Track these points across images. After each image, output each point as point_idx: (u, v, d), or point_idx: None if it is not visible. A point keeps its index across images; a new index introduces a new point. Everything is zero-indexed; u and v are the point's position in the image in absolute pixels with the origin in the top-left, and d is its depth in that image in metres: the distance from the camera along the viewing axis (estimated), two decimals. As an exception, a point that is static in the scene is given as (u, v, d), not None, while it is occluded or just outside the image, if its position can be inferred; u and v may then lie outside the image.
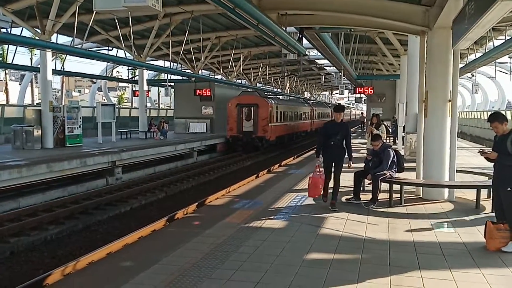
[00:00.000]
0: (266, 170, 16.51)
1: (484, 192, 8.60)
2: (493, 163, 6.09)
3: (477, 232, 6.54)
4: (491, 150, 6.14)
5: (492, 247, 5.74)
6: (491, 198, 7.60)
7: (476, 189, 8.32)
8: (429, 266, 5.20)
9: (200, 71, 29.75)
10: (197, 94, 27.82)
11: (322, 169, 8.17)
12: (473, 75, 31.31)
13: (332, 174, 8.15)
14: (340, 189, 8.31)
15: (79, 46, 18.14)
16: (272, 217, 7.58)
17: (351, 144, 8.24)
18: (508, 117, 26.12)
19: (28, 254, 8.70)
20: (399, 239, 6.31)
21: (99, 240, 9.36)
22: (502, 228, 5.73)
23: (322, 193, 8.25)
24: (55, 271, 6.55)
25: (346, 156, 8.14)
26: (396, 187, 8.55)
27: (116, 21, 18.27)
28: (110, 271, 5.32)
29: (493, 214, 6.53)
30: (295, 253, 5.67)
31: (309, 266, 5.22)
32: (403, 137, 17.01)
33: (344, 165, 8.15)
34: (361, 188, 9.08)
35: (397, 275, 4.91)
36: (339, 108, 8.34)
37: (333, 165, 8.12)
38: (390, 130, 21.87)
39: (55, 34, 17.41)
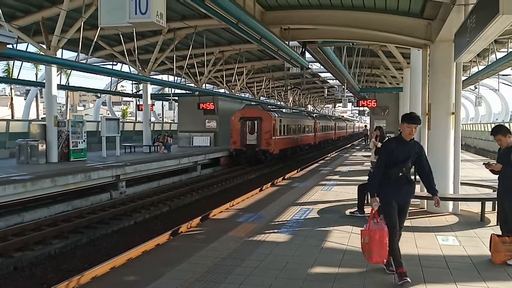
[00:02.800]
0: (270, 183, 16.47)
1: (489, 205, 8.56)
2: (497, 176, 6.09)
3: (482, 245, 6.51)
4: (495, 162, 6.14)
5: (498, 260, 5.70)
6: (496, 211, 7.55)
7: (480, 202, 8.29)
8: (434, 280, 5.16)
9: (203, 85, 29.93)
10: (200, 108, 27.97)
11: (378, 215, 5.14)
12: (476, 88, 31.37)
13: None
14: (344, 203, 8.09)
15: (84, 61, 18.33)
16: (276, 230, 7.55)
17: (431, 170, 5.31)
18: (512, 129, 26.00)
19: (32, 269, 8.67)
20: (403, 252, 6.21)
21: (103, 255, 9.33)
22: (508, 241, 5.68)
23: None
24: (58, 286, 6.52)
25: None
26: (400, 200, 8.51)
27: (121, 36, 18.51)
28: (114, 286, 5.31)
29: (498, 227, 6.49)
30: (299, 267, 5.64)
31: (313, 280, 5.19)
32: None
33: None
34: (365, 201, 9.05)
35: (402, 289, 4.87)
36: (414, 119, 5.10)
37: (400, 207, 5.19)
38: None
39: (60, 50, 17.63)
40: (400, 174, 5.06)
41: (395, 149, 5.10)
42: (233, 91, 33.39)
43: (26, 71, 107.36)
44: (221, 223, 8.35)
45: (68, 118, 25.06)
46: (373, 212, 5.08)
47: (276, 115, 27.71)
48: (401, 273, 4.99)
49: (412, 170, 5.31)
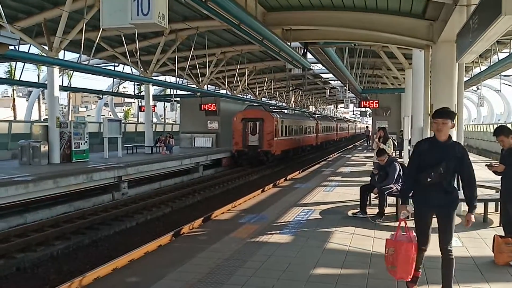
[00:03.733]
0: (272, 184, 16.47)
1: (491, 206, 8.54)
2: (500, 176, 6.07)
3: (485, 246, 6.49)
4: (498, 163, 6.12)
5: (501, 261, 5.68)
6: (499, 212, 7.53)
7: (483, 203, 8.26)
8: (437, 281, 5.12)
9: (205, 86, 29.93)
10: (202, 109, 27.97)
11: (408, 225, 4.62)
12: (478, 88, 31.33)
13: (438, 239, 4.53)
14: (346, 204, 8.06)
15: (86, 63, 18.36)
16: (278, 231, 7.55)
17: (474, 180, 4.60)
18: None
19: (34, 270, 8.68)
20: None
21: (105, 256, 9.33)
22: (511, 242, 5.67)
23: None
24: (61, 287, 6.53)
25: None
26: (403, 201, 8.49)
27: (123, 38, 18.52)
28: (116, 287, 5.31)
29: (501, 227, 6.47)
30: (301, 268, 5.63)
31: (315, 281, 5.18)
32: (409, 150, 16.97)
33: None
34: (368, 202, 9.03)
35: (404, 290, 4.86)
36: (438, 112, 4.47)
37: (437, 220, 4.53)
38: (396, 143, 21.88)
39: (62, 51, 17.64)
40: (429, 179, 4.33)
41: (426, 151, 4.45)
42: (235, 92, 33.41)
43: (28, 73, 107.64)
44: (223, 224, 8.35)
45: (70, 119, 25.13)
46: (401, 221, 4.57)
47: (278, 116, 27.71)
48: (413, 276, 4.67)
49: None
